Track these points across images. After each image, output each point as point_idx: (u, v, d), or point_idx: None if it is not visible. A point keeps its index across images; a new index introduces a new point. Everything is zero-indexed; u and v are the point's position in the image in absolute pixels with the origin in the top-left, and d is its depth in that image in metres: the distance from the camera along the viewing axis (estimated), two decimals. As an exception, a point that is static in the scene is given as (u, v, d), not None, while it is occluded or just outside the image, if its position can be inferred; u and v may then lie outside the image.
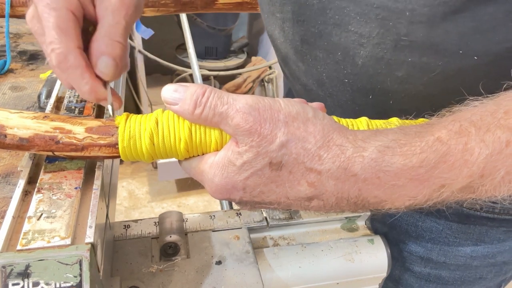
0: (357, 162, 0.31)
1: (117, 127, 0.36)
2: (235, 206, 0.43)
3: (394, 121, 0.39)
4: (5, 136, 0.35)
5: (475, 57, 0.38)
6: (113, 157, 0.37)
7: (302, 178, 0.33)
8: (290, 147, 0.32)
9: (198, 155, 0.36)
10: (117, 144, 0.35)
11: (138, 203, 1.97)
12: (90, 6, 0.39)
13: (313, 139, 0.32)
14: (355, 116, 0.40)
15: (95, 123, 0.36)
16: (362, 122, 0.38)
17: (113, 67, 0.38)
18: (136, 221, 0.49)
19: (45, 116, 0.36)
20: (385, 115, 0.40)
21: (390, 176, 0.31)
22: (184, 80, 2.09)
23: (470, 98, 0.33)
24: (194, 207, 1.96)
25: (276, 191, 0.34)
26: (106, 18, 0.38)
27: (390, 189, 0.32)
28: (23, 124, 0.35)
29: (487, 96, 0.32)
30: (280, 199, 0.34)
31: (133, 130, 0.35)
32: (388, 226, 0.56)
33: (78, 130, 0.36)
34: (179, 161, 0.38)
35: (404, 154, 0.31)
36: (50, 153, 0.36)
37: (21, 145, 0.35)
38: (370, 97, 0.45)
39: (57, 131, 0.35)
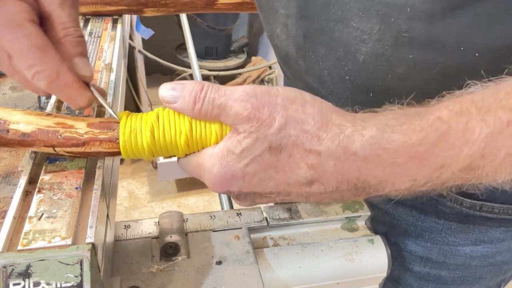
0: (356, 140, 0.31)
1: (118, 123, 0.36)
2: (235, 206, 0.43)
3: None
4: (8, 131, 0.35)
5: (476, 54, 0.38)
6: (113, 153, 0.37)
7: (301, 160, 0.33)
8: (289, 129, 0.32)
9: (198, 151, 0.36)
10: (118, 138, 0.36)
11: (138, 203, 1.97)
12: (34, 2, 0.35)
13: (312, 121, 0.32)
14: None
15: (97, 119, 0.37)
16: None
17: (89, 66, 0.37)
18: (136, 221, 0.49)
19: (48, 114, 0.37)
20: None
21: (390, 153, 0.31)
22: (184, 80, 2.08)
23: (472, 81, 0.32)
24: (194, 207, 1.96)
25: (275, 177, 0.34)
26: (57, 13, 0.36)
27: (389, 167, 0.31)
28: (25, 119, 0.36)
29: (490, 80, 0.32)
30: (280, 187, 0.34)
31: (134, 124, 0.36)
32: (388, 226, 0.56)
33: (80, 125, 0.36)
34: (178, 160, 0.38)
35: (404, 131, 0.31)
36: (51, 150, 0.36)
37: (23, 140, 0.35)
38: (371, 94, 0.45)
39: (59, 126, 0.36)
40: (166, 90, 0.34)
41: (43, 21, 0.36)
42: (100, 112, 0.44)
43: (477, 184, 0.32)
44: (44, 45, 0.33)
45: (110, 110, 0.39)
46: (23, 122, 0.35)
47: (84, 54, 0.37)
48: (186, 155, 0.37)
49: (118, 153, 0.37)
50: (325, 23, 0.44)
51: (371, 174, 0.32)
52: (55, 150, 0.36)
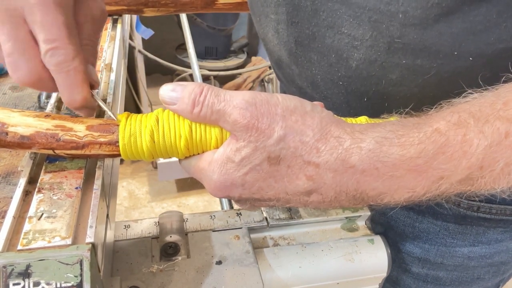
0: (354, 154, 0.31)
1: (117, 125, 0.36)
2: (235, 206, 0.44)
3: (394, 120, 0.39)
4: (7, 134, 0.35)
5: (470, 58, 0.38)
6: (113, 155, 0.37)
7: (300, 171, 0.33)
8: (288, 140, 0.32)
9: (198, 153, 0.36)
10: (117, 141, 0.35)
11: (138, 203, 1.97)
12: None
13: (311, 132, 0.32)
14: None
15: (96, 121, 0.37)
16: (361, 121, 0.38)
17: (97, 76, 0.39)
18: (136, 221, 0.49)
19: (47, 115, 0.36)
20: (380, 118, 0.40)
21: (388, 166, 0.31)
22: (184, 80, 2.09)
23: (469, 90, 0.32)
24: (194, 207, 1.96)
25: (274, 186, 0.34)
26: (87, 25, 0.37)
27: (388, 180, 0.31)
28: (24, 122, 0.35)
29: (486, 88, 0.32)
30: (279, 195, 0.34)
31: (133, 128, 0.35)
32: (385, 227, 0.56)
33: (79, 128, 0.36)
34: (179, 160, 0.38)
35: (402, 144, 0.31)
36: (50, 152, 0.36)
37: (22, 143, 0.35)
38: (365, 99, 0.45)
39: (59, 129, 0.35)
40: (167, 91, 0.34)
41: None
42: (100, 113, 0.44)
43: (476, 192, 0.32)
44: (73, 28, 0.35)
45: (110, 114, 0.39)
46: (21, 125, 0.35)
47: (94, 65, 0.39)
48: (186, 157, 0.37)
49: (118, 155, 0.37)
50: (316, 30, 0.44)
51: (370, 186, 0.32)
52: (54, 152, 0.36)
